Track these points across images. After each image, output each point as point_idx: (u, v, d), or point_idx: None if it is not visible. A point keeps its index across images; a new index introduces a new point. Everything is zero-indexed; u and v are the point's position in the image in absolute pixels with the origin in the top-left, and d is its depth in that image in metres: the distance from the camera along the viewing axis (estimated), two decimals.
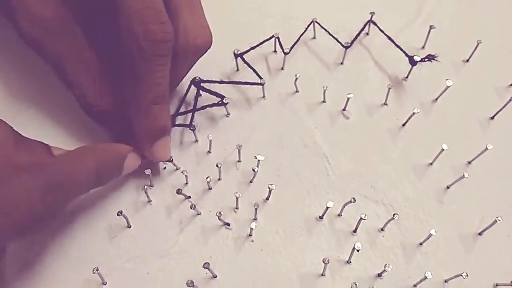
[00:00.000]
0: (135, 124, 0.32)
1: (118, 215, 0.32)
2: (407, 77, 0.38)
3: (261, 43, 0.37)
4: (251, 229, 0.32)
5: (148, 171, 0.33)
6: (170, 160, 0.34)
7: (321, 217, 0.33)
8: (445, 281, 0.31)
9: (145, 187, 0.33)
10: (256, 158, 0.33)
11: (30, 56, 0.35)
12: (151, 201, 0.33)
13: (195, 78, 0.35)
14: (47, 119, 0.36)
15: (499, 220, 0.31)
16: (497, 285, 0.31)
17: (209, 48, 0.34)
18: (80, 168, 0.28)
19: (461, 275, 0.30)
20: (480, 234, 0.33)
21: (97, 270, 0.30)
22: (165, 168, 0.34)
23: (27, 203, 0.25)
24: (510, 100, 0.35)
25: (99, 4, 0.32)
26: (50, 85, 0.36)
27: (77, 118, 0.35)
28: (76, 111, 0.34)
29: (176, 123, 0.35)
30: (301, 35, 0.38)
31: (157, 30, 0.29)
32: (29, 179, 0.26)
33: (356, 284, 0.29)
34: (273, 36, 0.37)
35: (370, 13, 0.38)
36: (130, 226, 0.33)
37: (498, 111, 0.36)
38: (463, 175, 0.33)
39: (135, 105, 0.31)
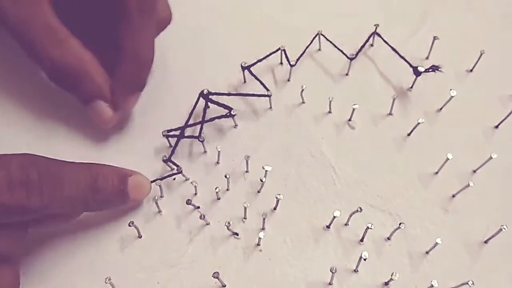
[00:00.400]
0: (122, 75, 0.34)
1: (129, 225, 0.32)
2: (411, 87, 0.38)
3: (268, 55, 0.38)
4: (259, 238, 0.32)
5: (158, 183, 0.34)
6: (180, 171, 0.34)
7: (328, 227, 0.33)
8: None
9: (155, 197, 0.33)
10: (263, 168, 0.34)
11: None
12: (161, 211, 0.34)
13: (203, 90, 0.36)
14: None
15: (505, 229, 0.31)
16: None
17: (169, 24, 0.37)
18: (69, 174, 0.29)
19: (467, 283, 0.30)
20: (485, 242, 0.33)
21: (109, 280, 0.30)
22: (174, 179, 0.35)
23: None
24: None
25: None
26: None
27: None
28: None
29: (186, 134, 0.36)
30: (307, 47, 0.39)
31: None
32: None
33: None
34: (279, 49, 0.38)
35: (375, 25, 0.39)
36: (141, 236, 0.33)
37: (502, 120, 0.36)
38: (468, 184, 0.33)
39: (127, 60, 0.34)
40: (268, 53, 0.38)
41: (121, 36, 0.33)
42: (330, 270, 0.30)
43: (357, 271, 0.32)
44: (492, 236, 0.32)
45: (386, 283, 0.31)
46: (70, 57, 0.33)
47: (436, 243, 0.31)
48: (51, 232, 0.33)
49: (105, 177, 0.31)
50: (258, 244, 0.33)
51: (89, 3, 0.34)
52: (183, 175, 0.35)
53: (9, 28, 0.33)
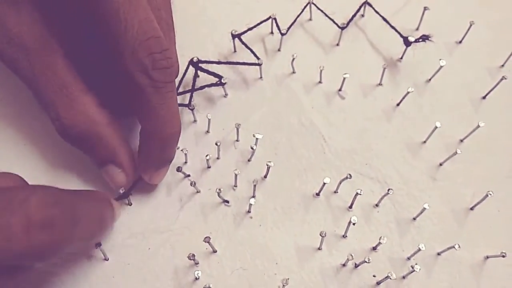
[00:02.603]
0: (146, 152, 0.31)
1: (119, 192, 0.32)
2: (401, 57, 0.38)
3: (258, 24, 0.37)
4: (250, 205, 0.33)
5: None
6: None
7: (317, 194, 0.34)
8: (438, 254, 0.32)
9: None
10: (254, 136, 0.34)
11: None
12: None
13: (193, 58, 0.36)
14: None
15: (490, 194, 0.32)
16: (487, 257, 0.32)
17: None
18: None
19: (454, 247, 0.31)
20: (472, 209, 0.34)
21: (99, 246, 0.30)
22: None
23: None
24: (501, 80, 0.36)
25: (86, 25, 0.29)
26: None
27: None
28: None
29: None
30: (298, 16, 0.39)
31: (163, 58, 0.29)
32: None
33: (352, 256, 0.30)
34: (270, 17, 0.37)
35: None
36: (131, 204, 0.33)
37: (490, 91, 0.37)
38: (456, 152, 0.33)
39: (151, 137, 0.31)
40: (259, 22, 0.37)
41: (138, 115, 0.31)
42: (320, 234, 0.31)
43: (346, 236, 0.32)
44: (478, 203, 0.33)
45: (374, 248, 0.32)
46: (79, 118, 0.30)
47: (424, 209, 0.32)
48: None
49: (109, 209, 0.30)
50: (249, 211, 0.33)
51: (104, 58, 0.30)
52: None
53: (23, 81, 0.32)
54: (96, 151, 0.32)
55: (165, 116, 0.30)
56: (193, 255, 0.30)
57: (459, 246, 0.31)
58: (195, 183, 0.33)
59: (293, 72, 0.38)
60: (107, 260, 0.32)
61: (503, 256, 0.31)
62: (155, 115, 0.30)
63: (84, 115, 0.30)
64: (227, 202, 0.33)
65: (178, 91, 0.36)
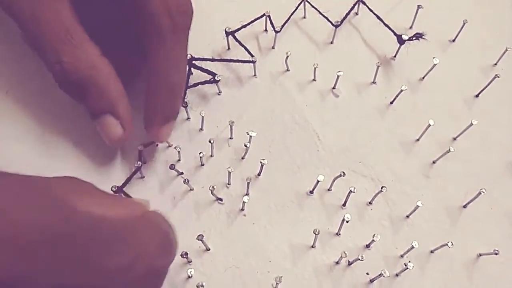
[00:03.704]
0: (153, 103, 0.31)
1: (112, 190, 0.32)
2: (395, 56, 0.38)
3: (252, 21, 0.37)
4: (244, 203, 0.32)
5: (140, 147, 0.33)
6: None
7: (311, 192, 0.34)
8: (431, 251, 0.32)
9: (138, 163, 0.33)
10: (248, 134, 0.34)
11: None
12: (143, 177, 0.34)
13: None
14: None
15: (483, 192, 0.32)
16: (480, 254, 0.32)
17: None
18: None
19: (447, 245, 0.31)
20: (464, 206, 0.34)
21: None
22: (157, 145, 0.35)
23: None
24: (494, 78, 0.36)
25: None
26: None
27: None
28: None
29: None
30: (292, 13, 0.38)
31: (185, 3, 0.30)
32: None
33: (345, 253, 0.30)
34: (264, 15, 0.37)
35: None
36: None
37: (483, 89, 0.37)
38: (449, 150, 0.34)
39: (160, 84, 0.31)
40: (253, 19, 0.37)
41: (151, 58, 0.30)
42: (314, 232, 0.31)
43: (339, 234, 0.32)
44: (471, 201, 0.33)
45: (368, 245, 0.32)
46: (81, 64, 0.30)
47: (417, 206, 0.32)
48: None
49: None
50: (242, 209, 0.33)
51: (115, 11, 0.31)
52: (166, 141, 0.34)
53: (21, 23, 0.30)
54: (95, 99, 0.31)
55: (176, 62, 0.31)
56: (186, 253, 0.30)
57: (452, 244, 0.31)
58: (188, 181, 0.32)
59: (287, 70, 0.38)
60: None
61: (496, 254, 0.31)
62: (167, 59, 0.30)
63: (87, 61, 0.30)
64: (221, 200, 0.33)
65: None
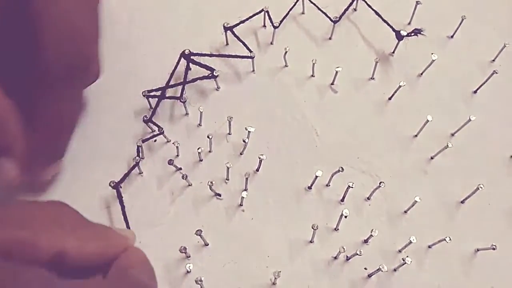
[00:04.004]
0: (35, 145, 0.28)
1: (110, 185, 0.32)
2: (393, 52, 0.38)
3: (251, 16, 0.37)
4: (242, 198, 0.32)
5: (139, 143, 0.33)
6: (161, 133, 0.34)
7: (309, 187, 0.34)
8: (429, 246, 0.32)
9: (136, 158, 0.33)
10: (246, 129, 0.34)
11: None
12: (142, 173, 0.34)
13: (184, 51, 0.36)
14: None
15: (481, 188, 0.32)
16: (478, 249, 0.32)
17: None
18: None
19: (444, 240, 0.31)
20: (462, 202, 0.34)
21: None
22: (155, 140, 0.35)
23: None
24: (492, 74, 0.36)
25: None
26: None
27: None
28: None
29: (167, 95, 0.36)
30: (290, 9, 0.38)
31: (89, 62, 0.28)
32: None
33: (344, 248, 0.30)
34: (262, 10, 0.37)
35: None
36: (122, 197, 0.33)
37: (481, 85, 0.37)
38: (447, 146, 0.34)
39: (46, 128, 0.29)
40: (251, 14, 0.37)
41: (37, 102, 0.28)
42: (312, 227, 0.31)
43: (338, 229, 0.33)
44: (469, 196, 0.33)
45: (366, 241, 0.32)
46: None
47: (415, 201, 0.32)
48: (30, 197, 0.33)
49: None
50: (241, 205, 0.33)
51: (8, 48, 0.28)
52: (165, 136, 0.34)
53: None
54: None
55: (65, 111, 0.29)
56: (185, 248, 0.30)
57: (450, 239, 0.31)
58: (186, 176, 0.32)
59: (286, 66, 0.38)
60: None
61: (493, 249, 0.31)
62: (57, 109, 0.28)
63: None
64: (219, 195, 0.33)
65: (170, 84, 0.36)
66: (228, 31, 0.37)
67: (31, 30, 0.26)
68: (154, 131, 0.34)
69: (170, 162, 0.33)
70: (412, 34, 0.37)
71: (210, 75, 0.36)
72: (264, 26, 0.39)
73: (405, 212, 0.33)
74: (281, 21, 0.38)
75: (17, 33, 0.27)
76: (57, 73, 0.27)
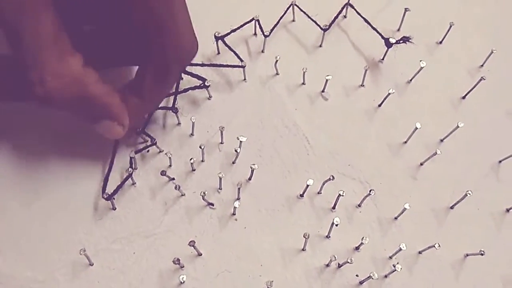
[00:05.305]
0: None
1: (103, 197, 0.32)
2: (383, 59, 0.39)
3: (242, 25, 0.37)
4: (235, 208, 0.33)
5: (132, 154, 0.33)
6: (154, 143, 0.34)
7: (301, 195, 0.34)
8: (419, 252, 0.33)
9: (129, 169, 0.33)
10: (238, 139, 0.34)
11: None
12: (135, 183, 0.34)
13: None
14: None
15: (469, 194, 0.33)
16: (467, 255, 0.33)
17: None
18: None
19: (434, 246, 0.31)
20: (451, 207, 0.34)
21: (84, 251, 0.30)
22: (148, 151, 0.35)
23: None
24: (480, 80, 0.37)
25: None
26: None
27: None
28: None
29: (159, 106, 0.36)
30: (281, 17, 0.39)
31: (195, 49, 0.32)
32: None
33: (335, 257, 0.31)
34: (253, 19, 0.37)
35: None
36: (115, 208, 0.33)
37: (469, 91, 0.37)
38: (436, 152, 0.34)
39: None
40: (242, 23, 0.37)
41: (149, 79, 0.31)
42: (304, 236, 0.31)
43: (329, 237, 0.33)
44: (458, 202, 0.34)
45: (357, 248, 0.33)
46: (68, 82, 0.29)
47: (405, 209, 0.32)
48: (23, 204, 0.33)
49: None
50: (234, 214, 0.33)
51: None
52: (157, 147, 0.35)
53: (5, 33, 0.29)
54: (87, 111, 0.31)
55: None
56: (178, 260, 0.30)
57: (439, 245, 0.31)
58: (179, 187, 0.33)
59: (277, 74, 0.38)
60: (91, 265, 0.32)
61: (482, 254, 0.32)
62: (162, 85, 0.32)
63: (71, 77, 0.29)
64: (212, 205, 0.34)
65: None
66: (219, 40, 0.37)
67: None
68: (147, 141, 0.35)
69: (163, 172, 0.33)
70: (401, 41, 0.37)
71: (202, 84, 0.36)
72: (255, 34, 0.39)
73: (396, 218, 0.34)
74: (271, 30, 0.38)
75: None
76: (174, 58, 0.31)
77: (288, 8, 0.39)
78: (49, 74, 0.29)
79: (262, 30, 0.38)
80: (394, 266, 0.31)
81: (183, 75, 0.36)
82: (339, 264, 0.32)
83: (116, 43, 0.33)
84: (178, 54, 0.31)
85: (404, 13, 0.39)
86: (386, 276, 0.32)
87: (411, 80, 0.38)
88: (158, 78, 0.31)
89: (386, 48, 0.38)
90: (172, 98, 0.36)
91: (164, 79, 0.32)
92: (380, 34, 0.38)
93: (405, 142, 0.36)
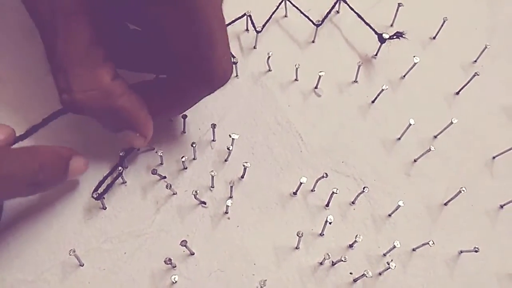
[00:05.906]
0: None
1: (92, 197, 0.32)
2: (376, 54, 0.38)
3: (233, 21, 0.37)
4: (227, 206, 0.32)
5: (122, 153, 0.33)
6: None
7: (295, 193, 0.34)
8: (413, 250, 0.33)
9: (120, 168, 0.33)
10: (230, 136, 0.33)
11: None
12: (125, 182, 0.33)
13: None
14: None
15: (463, 191, 0.33)
16: (461, 251, 0.33)
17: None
18: (20, 165, 0.27)
19: (428, 243, 0.31)
20: (445, 204, 0.34)
21: (73, 252, 0.30)
22: (139, 149, 0.34)
23: None
24: (474, 75, 0.36)
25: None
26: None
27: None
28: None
29: None
30: (273, 13, 0.38)
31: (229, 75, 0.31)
32: None
33: (329, 255, 0.30)
34: (245, 14, 0.37)
35: None
36: (106, 208, 0.33)
37: (463, 87, 0.37)
38: (429, 149, 0.34)
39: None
40: (233, 19, 0.37)
41: (170, 92, 0.32)
42: (297, 234, 0.31)
43: (323, 234, 0.33)
44: (452, 199, 0.34)
45: (351, 245, 0.32)
46: (94, 95, 0.29)
47: (398, 206, 0.32)
48: (13, 204, 0.32)
49: (48, 168, 0.29)
50: (226, 212, 0.33)
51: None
52: (148, 145, 0.34)
53: (41, 36, 0.29)
54: (113, 122, 0.31)
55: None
56: (170, 260, 0.30)
57: (433, 243, 0.31)
58: (171, 186, 0.32)
59: (269, 70, 0.38)
60: (82, 266, 0.31)
61: (476, 251, 0.32)
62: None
63: (99, 90, 0.29)
64: (204, 203, 0.33)
65: None
66: None
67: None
68: None
69: (154, 171, 0.32)
70: (394, 37, 0.37)
71: None
72: (247, 30, 0.39)
73: (389, 215, 0.34)
74: (263, 25, 0.38)
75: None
76: (205, 83, 0.30)
77: (280, 3, 0.38)
78: (77, 86, 0.29)
79: (254, 26, 0.37)
80: (388, 264, 0.31)
81: None
82: (333, 262, 0.32)
83: (153, 50, 0.32)
84: (211, 80, 0.30)
85: (398, 8, 0.38)
86: (380, 274, 0.32)
87: (404, 76, 0.38)
88: (180, 95, 0.31)
89: (380, 43, 0.37)
90: None
91: (187, 99, 0.32)
92: (374, 30, 0.38)
93: (399, 138, 0.36)
